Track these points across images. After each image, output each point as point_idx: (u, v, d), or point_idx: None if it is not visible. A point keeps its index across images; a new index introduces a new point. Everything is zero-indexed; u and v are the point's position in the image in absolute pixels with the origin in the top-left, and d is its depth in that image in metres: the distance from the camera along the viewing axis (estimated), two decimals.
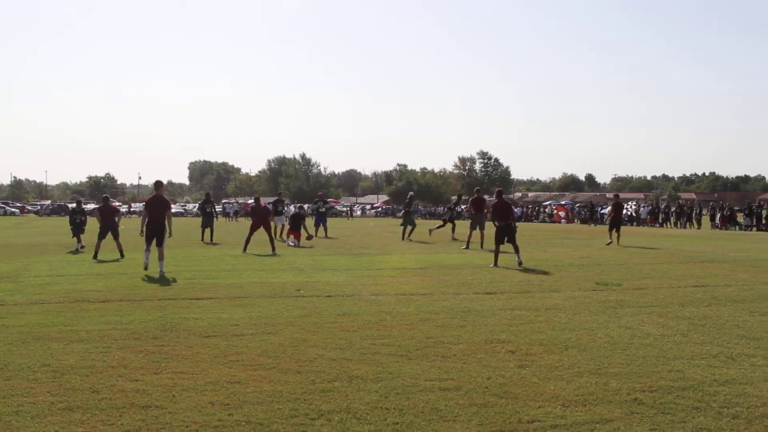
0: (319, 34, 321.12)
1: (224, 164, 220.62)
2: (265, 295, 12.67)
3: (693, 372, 7.24)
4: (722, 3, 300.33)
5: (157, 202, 17.17)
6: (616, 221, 28.23)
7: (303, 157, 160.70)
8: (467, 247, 24.90)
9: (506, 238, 18.74)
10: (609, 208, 31.26)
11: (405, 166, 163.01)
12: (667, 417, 5.79)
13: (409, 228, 30.83)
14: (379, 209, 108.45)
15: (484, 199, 28.18)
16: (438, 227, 31.35)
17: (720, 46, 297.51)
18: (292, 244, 26.32)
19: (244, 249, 22.66)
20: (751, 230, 45.28)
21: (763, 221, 46.43)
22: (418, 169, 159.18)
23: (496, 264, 18.32)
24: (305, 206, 41.29)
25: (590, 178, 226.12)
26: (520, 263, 18.32)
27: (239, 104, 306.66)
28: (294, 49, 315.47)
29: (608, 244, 27.51)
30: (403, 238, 30.39)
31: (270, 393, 6.37)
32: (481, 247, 25.11)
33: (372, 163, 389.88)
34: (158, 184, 17.95)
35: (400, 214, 32.22)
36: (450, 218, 31.02)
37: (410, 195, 32.73)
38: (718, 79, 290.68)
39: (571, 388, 6.61)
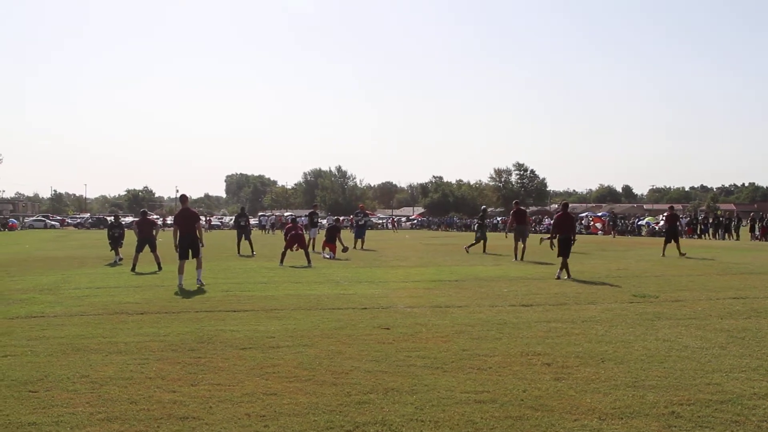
0: (350, 47, 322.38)
1: (261, 177, 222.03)
2: (301, 307, 12.73)
3: (732, 385, 7.16)
4: (754, 11, 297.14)
5: (186, 216, 17.40)
6: (672, 232, 28.04)
7: (339, 169, 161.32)
8: (517, 259, 25.08)
9: (565, 250, 18.66)
10: (663, 220, 31.06)
11: (440, 178, 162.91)
12: (705, 431, 5.74)
13: (482, 242, 30.81)
14: (415, 221, 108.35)
15: (525, 211, 28.26)
16: (471, 245, 31.33)
17: (755, 54, 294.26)
18: (328, 257, 26.39)
19: (281, 262, 22.76)
20: None
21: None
22: (453, 181, 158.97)
23: (569, 276, 18.27)
24: (341, 218, 41.42)
25: (627, 189, 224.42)
26: (558, 277, 18.22)
27: (276, 117, 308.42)
28: (326, 62, 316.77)
29: (663, 256, 27.39)
30: (484, 251, 30.35)
31: (306, 405, 6.40)
32: (522, 259, 25.11)
33: (407, 175, 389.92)
34: (183, 198, 18.09)
35: (476, 227, 32.23)
36: (482, 236, 31.01)
37: (483, 208, 32.75)
38: (756, 87, 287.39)
39: (607, 401, 6.57)
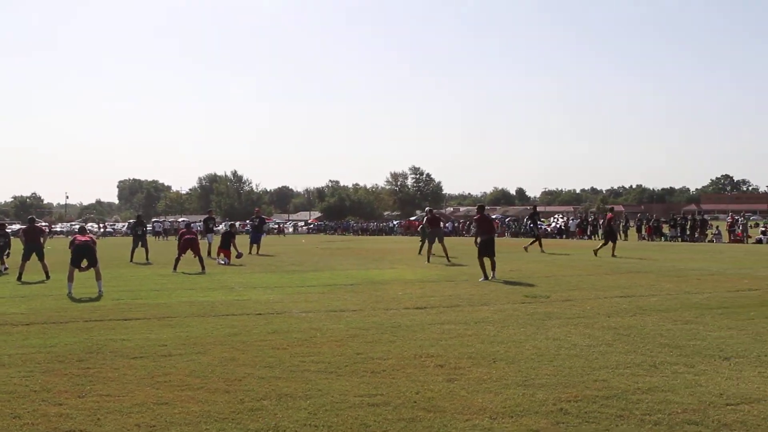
0: (242, 49, 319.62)
1: (154, 182, 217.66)
2: (195, 314, 12.56)
3: (617, 381, 7.38)
4: (649, 15, 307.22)
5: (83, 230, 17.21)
6: (611, 234, 28.85)
7: (234, 174, 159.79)
8: (429, 261, 25.63)
9: (488, 252, 18.91)
10: (604, 221, 32.10)
11: (337, 182, 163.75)
12: (592, 426, 5.89)
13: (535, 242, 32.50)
14: (312, 226, 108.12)
15: (438, 218, 29.39)
16: (530, 244, 32.61)
17: (650, 58, 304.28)
18: (222, 262, 26.10)
19: (174, 268, 22.39)
20: (676, 241, 46.29)
21: (688, 232, 47.54)
22: (350, 185, 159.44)
23: (486, 277, 18.44)
24: (236, 224, 41.05)
25: (521, 191, 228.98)
26: (493, 277, 18.55)
27: (169, 121, 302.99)
28: (219, 64, 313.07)
29: (596, 250, 28.57)
30: (542, 251, 31.52)
31: (198, 413, 6.32)
32: (448, 260, 25.67)
33: (304, 179, 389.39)
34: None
35: (530, 226, 34.56)
36: (537, 234, 33.47)
37: (534, 206, 34.60)
38: (643, 92, 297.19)
39: (498, 400, 6.68)
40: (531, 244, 32.58)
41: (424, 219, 30.23)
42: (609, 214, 30.04)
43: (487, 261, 18.84)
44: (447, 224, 67.67)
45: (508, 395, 6.84)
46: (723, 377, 7.51)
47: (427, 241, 27.43)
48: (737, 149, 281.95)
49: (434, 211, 34.71)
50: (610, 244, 28.27)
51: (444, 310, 12.81)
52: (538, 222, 34.04)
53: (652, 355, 8.63)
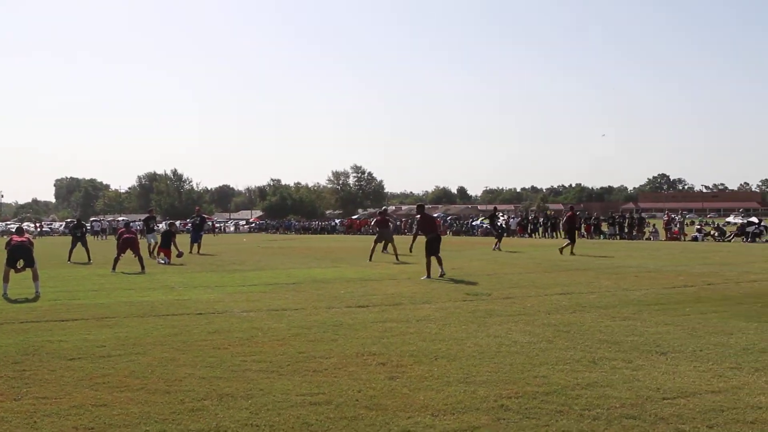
0: (184, 47, 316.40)
1: (92, 181, 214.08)
2: (134, 314, 12.40)
3: (557, 377, 7.46)
4: (585, 14, 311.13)
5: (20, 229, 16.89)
6: (572, 232, 29.22)
7: (174, 172, 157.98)
8: (371, 260, 25.61)
9: (434, 250, 18.95)
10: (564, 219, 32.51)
11: (279, 180, 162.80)
12: (532, 421, 5.95)
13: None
14: (253, 225, 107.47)
15: (387, 219, 30.05)
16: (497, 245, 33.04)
17: (581, 57, 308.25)
18: (162, 262, 25.81)
19: (113, 268, 22.07)
20: (614, 239, 46.98)
21: (626, 230, 48.30)
22: (292, 184, 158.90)
23: (429, 276, 18.44)
24: (177, 223, 40.65)
25: (462, 190, 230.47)
26: (442, 274, 18.61)
27: (108, 119, 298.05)
28: (154, 62, 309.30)
29: (561, 249, 28.65)
30: (498, 248, 32.33)
31: (137, 415, 6.23)
32: (397, 258, 25.82)
33: (245, 178, 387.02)
34: None
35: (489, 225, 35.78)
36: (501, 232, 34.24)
37: (495, 207, 34.93)
38: (581, 92, 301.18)
39: (440, 397, 6.71)
40: (498, 243, 33.15)
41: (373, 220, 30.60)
42: (569, 213, 30.40)
43: (433, 259, 18.90)
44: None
45: (450, 392, 6.87)
46: (660, 372, 7.64)
47: (374, 240, 27.60)
48: (674, 149, 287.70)
49: (388, 211, 35.14)
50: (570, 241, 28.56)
51: (386, 309, 12.83)
52: (496, 222, 34.57)
53: (592, 351, 8.75)
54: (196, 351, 9.03)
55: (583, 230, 51.35)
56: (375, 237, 28.17)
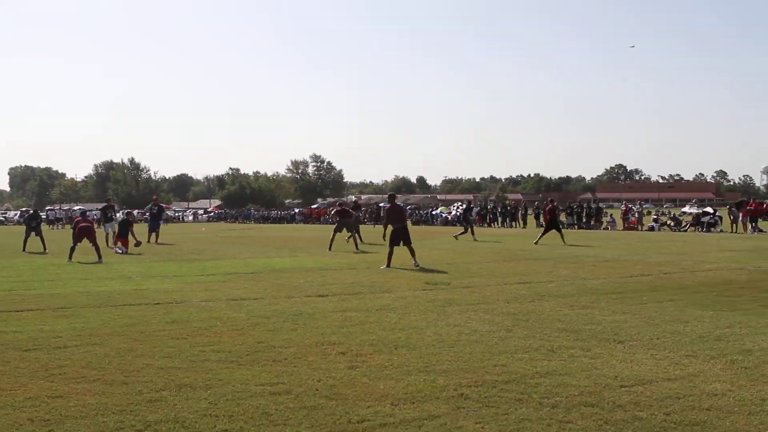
0: (145, 35, 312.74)
1: (47, 169, 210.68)
2: (91, 304, 12.24)
3: (516, 366, 7.51)
4: (547, 5, 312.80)
5: None
6: (553, 224, 29.19)
7: (132, 161, 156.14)
8: (330, 249, 25.58)
9: (401, 241, 19.20)
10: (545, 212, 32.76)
11: (237, 170, 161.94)
12: (492, 410, 5.97)
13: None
14: (212, 214, 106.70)
15: (347, 210, 29.79)
16: (461, 233, 33.73)
17: (549, 50, 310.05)
18: (120, 251, 25.53)
19: (69, 257, 21.77)
20: (573, 228, 47.32)
21: (584, 220, 48.72)
22: (251, 173, 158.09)
23: (389, 265, 18.50)
24: (135, 212, 40.28)
25: (421, 180, 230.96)
26: (416, 264, 18.65)
27: (63, 106, 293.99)
28: (113, 48, 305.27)
29: (536, 243, 28.37)
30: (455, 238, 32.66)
31: (94, 406, 6.16)
32: (357, 248, 25.91)
33: (204, 167, 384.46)
34: None
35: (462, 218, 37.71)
36: (468, 224, 34.66)
37: (469, 201, 35.91)
38: (540, 83, 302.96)
39: (400, 386, 6.72)
40: (464, 233, 33.68)
41: (333, 211, 30.72)
42: (549, 205, 30.56)
43: (397, 249, 19.11)
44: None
45: (410, 381, 6.89)
46: (617, 360, 7.72)
47: (333, 230, 27.59)
48: (631, 140, 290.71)
49: (358, 201, 35.55)
50: (553, 232, 28.72)
51: (346, 298, 12.82)
52: (469, 215, 35.30)
53: (550, 340, 8.82)
54: (154, 341, 8.95)
55: (541, 220, 51.77)
56: (334, 227, 28.14)
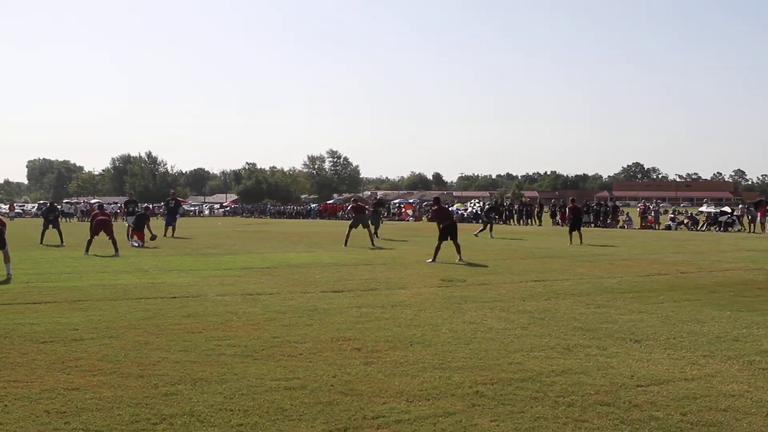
0: (172, 32, 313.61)
1: (65, 162, 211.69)
2: (107, 297, 12.28)
3: (532, 363, 7.48)
4: (563, 2, 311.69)
5: None
6: (577, 222, 28.85)
7: (149, 155, 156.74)
8: (346, 245, 25.55)
9: (450, 237, 19.81)
10: (567, 210, 32.40)
11: (254, 164, 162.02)
12: (507, 408, 5.95)
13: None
14: (228, 209, 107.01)
15: (362, 206, 29.59)
16: (480, 231, 33.97)
17: (565, 47, 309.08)
18: (136, 245, 25.61)
19: (86, 250, 21.85)
20: (589, 227, 47.15)
21: (600, 218, 48.55)
22: (267, 168, 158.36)
23: (434, 260, 19.31)
24: (151, 206, 40.41)
25: (437, 176, 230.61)
26: (460, 259, 19.27)
27: (82, 99, 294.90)
28: (139, 44, 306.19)
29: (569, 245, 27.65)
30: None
31: (110, 399, 6.17)
32: (372, 243, 25.73)
33: (220, 161, 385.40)
34: None
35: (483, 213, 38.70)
36: (489, 221, 34.64)
37: (497, 200, 36.08)
38: (557, 79, 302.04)
39: (415, 383, 6.70)
40: (483, 230, 33.90)
41: (349, 207, 30.62)
42: (570, 205, 30.44)
43: (445, 245, 19.70)
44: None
45: (425, 378, 6.87)
46: (634, 359, 7.68)
47: (349, 226, 27.54)
48: (648, 138, 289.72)
49: (379, 197, 35.76)
50: (576, 232, 28.19)
51: (361, 294, 12.82)
52: (491, 212, 35.68)
53: (566, 338, 8.79)
54: (170, 335, 8.97)
55: (557, 218, 51.64)
56: (350, 222, 28.10)
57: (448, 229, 19.90)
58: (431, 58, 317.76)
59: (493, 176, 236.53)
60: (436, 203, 21.97)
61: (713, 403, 6.10)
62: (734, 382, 6.78)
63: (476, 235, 32.18)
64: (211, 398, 6.19)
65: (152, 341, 8.59)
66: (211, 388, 6.52)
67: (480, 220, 43.38)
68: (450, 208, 60.91)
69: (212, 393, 6.35)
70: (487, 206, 37.97)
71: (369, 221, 27.99)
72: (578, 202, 31.29)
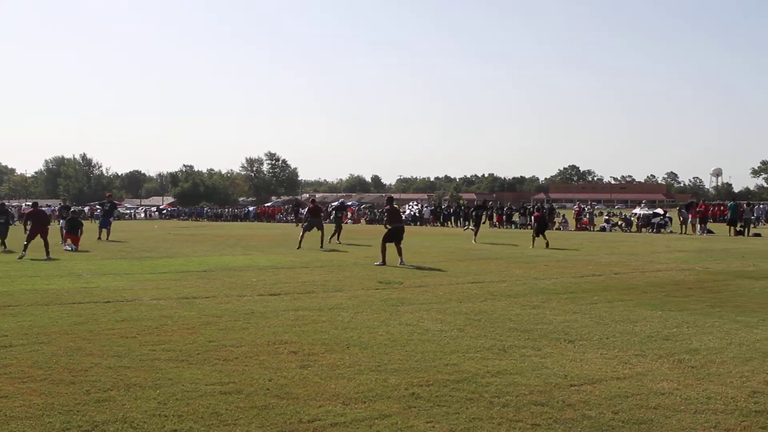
0: (92, 29, 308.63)
1: None
2: (39, 302, 12.05)
3: (468, 365, 7.54)
4: (505, 5, 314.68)
5: None
6: (542, 228, 28.35)
7: (84, 157, 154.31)
8: (300, 247, 25.47)
9: (395, 240, 19.60)
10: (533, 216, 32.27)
11: (191, 167, 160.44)
12: (443, 409, 5.99)
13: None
14: (165, 211, 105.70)
15: (320, 207, 29.92)
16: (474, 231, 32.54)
17: (504, 50, 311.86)
18: (70, 249, 25.18)
19: (23, 253, 21.37)
20: (526, 228, 47.62)
21: (484, 221, 49.04)
22: (204, 171, 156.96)
23: (384, 262, 18.97)
24: (85, 208, 39.78)
25: (376, 179, 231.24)
26: (402, 263, 18.91)
27: (13, 99, 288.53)
28: (55, 43, 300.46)
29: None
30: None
31: (40, 406, 6.06)
32: (321, 246, 25.74)
33: (157, 164, 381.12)
34: None
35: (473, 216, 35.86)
36: (477, 222, 33.08)
37: (484, 201, 34.83)
38: (496, 82, 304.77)
39: (351, 385, 6.71)
40: (477, 231, 32.44)
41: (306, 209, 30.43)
42: (536, 213, 30.63)
43: (390, 247, 19.48)
44: (302, 211, 67.69)
45: (361, 381, 6.88)
46: (568, 359, 7.80)
47: (303, 228, 27.39)
48: (584, 141, 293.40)
49: (341, 201, 35.15)
50: (541, 237, 27.61)
51: (298, 297, 12.78)
52: (480, 211, 34.61)
53: (502, 339, 8.87)
54: (103, 340, 8.84)
55: (495, 220, 52.09)
56: (304, 225, 27.88)
57: (395, 232, 19.76)
58: (371, 59, 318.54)
59: (432, 178, 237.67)
60: (389, 203, 21.65)
61: (644, 401, 6.22)
62: (664, 380, 6.93)
63: (468, 232, 31.42)
64: (145, 404, 6.12)
65: (85, 347, 8.45)
66: (144, 393, 6.44)
67: (468, 220, 43.12)
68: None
69: (146, 398, 6.27)
70: (475, 204, 37.23)
71: (324, 224, 27.87)
72: (542, 213, 31.14)
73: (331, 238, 28.64)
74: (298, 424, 5.64)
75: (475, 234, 31.58)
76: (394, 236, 19.68)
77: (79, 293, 13.22)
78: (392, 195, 22.00)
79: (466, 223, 33.71)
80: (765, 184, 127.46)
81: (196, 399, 6.26)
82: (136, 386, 6.68)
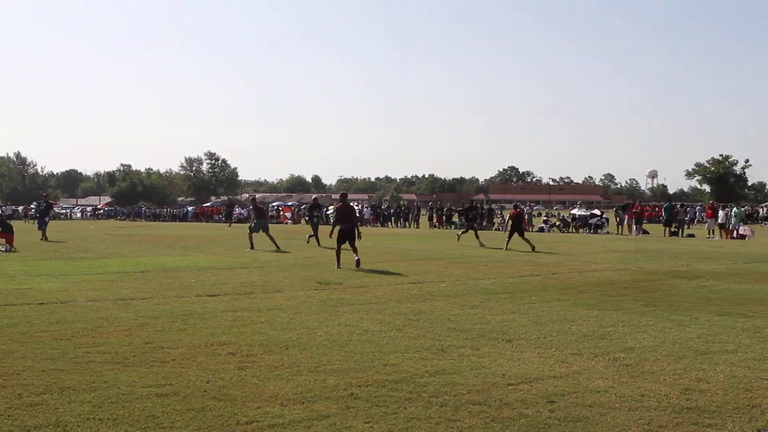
0: (35, 22, 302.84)
1: None
2: None
3: (407, 365, 7.55)
4: (454, 7, 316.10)
5: None
6: (517, 229, 27.77)
7: (18, 155, 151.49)
8: (252, 248, 25.15)
9: (348, 241, 18.83)
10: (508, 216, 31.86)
11: (129, 166, 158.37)
12: (381, 409, 5.99)
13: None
14: (102, 211, 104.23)
15: (263, 208, 29.99)
16: (463, 233, 32.18)
17: (447, 51, 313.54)
18: (3, 249, 24.67)
19: None
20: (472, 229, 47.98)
21: (477, 221, 49.46)
22: (143, 170, 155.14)
23: (339, 265, 18.30)
24: (20, 208, 39.06)
25: (317, 179, 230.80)
26: (358, 263, 18.30)
27: None
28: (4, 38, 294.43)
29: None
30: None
31: None
32: (278, 248, 25.13)
33: (94, 163, 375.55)
34: None
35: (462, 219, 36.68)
36: (471, 226, 32.25)
37: (471, 201, 34.01)
38: (436, 84, 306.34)
39: (290, 386, 6.67)
40: (464, 233, 31.92)
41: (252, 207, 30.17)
42: (513, 211, 30.22)
43: (345, 249, 18.86)
44: (242, 211, 67.33)
45: (300, 381, 6.85)
46: (506, 359, 7.86)
47: (251, 229, 27.07)
48: (523, 143, 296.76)
49: (314, 198, 34.71)
50: (516, 237, 27.37)
51: (237, 297, 12.70)
52: (471, 213, 34.21)
53: (440, 339, 8.91)
54: (36, 342, 8.66)
55: (434, 220, 52.37)
56: (251, 225, 27.57)
57: (345, 233, 18.96)
58: (313, 59, 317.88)
59: (372, 179, 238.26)
60: (342, 199, 20.18)
61: (580, 399, 6.30)
62: (600, 378, 7.02)
63: (482, 244, 29.38)
64: (79, 407, 6.00)
65: (17, 349, 8.27)
66: (79, 396, 6.32)
67: (460, 224, 42.37)
68: (328, 212, 61.01)
69: (80, 402, 6.16)
70: (465, 206, 36.74)
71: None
72: (519, 210, 30.66)
73: (309, 239, 28.25)
74: (235, 426, 5.59)
75: (477, 236, 30.18)
76: (344, 237, 18.94)
77: (12, 295, 12.95)
78: (346, 192, 20.68)
79: (461, 230, 32.22)
80: (699, 186, 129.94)
81: (132, 402, 6.17)
82: (70, 389, 6.55)
